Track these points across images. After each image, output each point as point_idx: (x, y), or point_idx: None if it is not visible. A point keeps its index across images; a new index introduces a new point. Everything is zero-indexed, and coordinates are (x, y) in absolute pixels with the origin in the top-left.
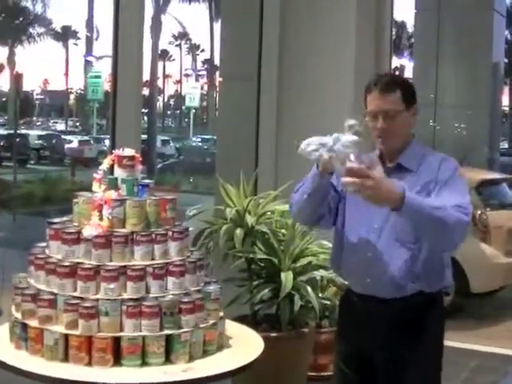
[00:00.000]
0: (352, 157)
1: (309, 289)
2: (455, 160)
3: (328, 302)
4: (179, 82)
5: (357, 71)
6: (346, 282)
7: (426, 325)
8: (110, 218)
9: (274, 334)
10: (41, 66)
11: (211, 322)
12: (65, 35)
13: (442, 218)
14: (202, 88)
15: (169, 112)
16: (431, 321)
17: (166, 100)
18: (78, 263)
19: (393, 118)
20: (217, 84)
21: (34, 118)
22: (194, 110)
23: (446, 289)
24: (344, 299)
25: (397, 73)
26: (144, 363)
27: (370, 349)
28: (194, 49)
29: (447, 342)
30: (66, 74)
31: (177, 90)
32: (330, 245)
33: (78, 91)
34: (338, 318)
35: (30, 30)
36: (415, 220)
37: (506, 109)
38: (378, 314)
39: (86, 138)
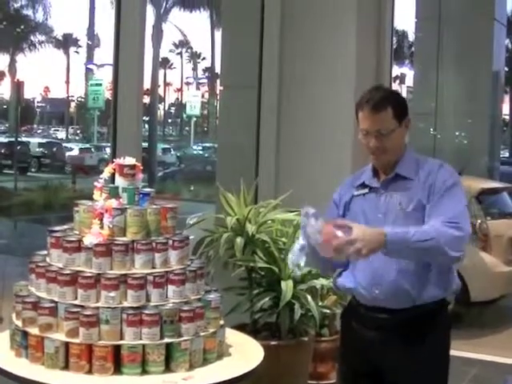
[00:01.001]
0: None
1: (309, 297)
2: (451, 166)
3: (328, 311)
4: (180, 90)
5: (357, 79)
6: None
7: (435, 334)
8: (111, 226)
9: (273, 343)
10: (42, 73)
11: (211, 330)
12: (66, 43)
13: (431, 246)
14: (202, 96)
15: (170, 120)
16: (440, 330)
17: (166, 108)
18: (79, 271)
19: (385, 135)
20: (218, 92)
21: (35, 126)
22: (194, 119)
23: (454, 293)
24: (348, 311)
25: (397, 82)
26: (144, 371)
27: (378, 359)
28: (194, 57)
29: None
30: (67, 82)
31: (178, 98)
32: None
33: (79, 99)
34: (341, 330)
35: (31, 37)
36: (404, 255)
37: (507, 117)
38: (386, 324)
39: (86, 145)
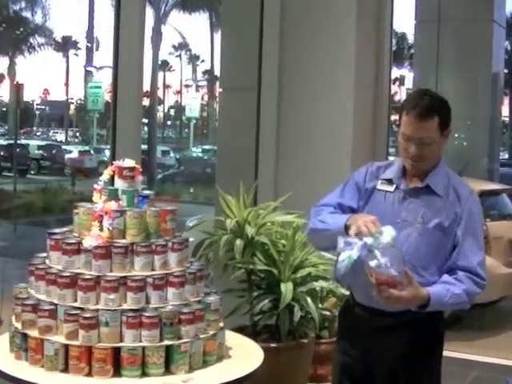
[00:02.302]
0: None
1: (308, 300)
2: (477, 195)
3: (327, 313)
4: (179, 92)
5: (356, 81)
6: (347, 293)
7: (431, 338)
8: (111, 228)
9: (273, 345)
10: (41, 76)
11: (211, 332)
12: (65, 45)
13: (459, 303)
14: (202, 98)
15: (169, 122)
16: (435, 333)
17: (166, 110)
18: (78, 274)
19: (427, 144)
20: (217, 94)
21: (35, 128)
22: (194, 121)
23: None
24: (346, 311)
25: (397, 83)
26: (144, 374)
27: (375, 361)
28: (194, 59)
29: (448, 353)
30: (67, 85)
31: (177, 101)
32: (330, 256)
33: (79, 101)
34: (338, 331)
35: (31, 40)
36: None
37: (506, 119)
38: (382, 326)
39: (86, 148)
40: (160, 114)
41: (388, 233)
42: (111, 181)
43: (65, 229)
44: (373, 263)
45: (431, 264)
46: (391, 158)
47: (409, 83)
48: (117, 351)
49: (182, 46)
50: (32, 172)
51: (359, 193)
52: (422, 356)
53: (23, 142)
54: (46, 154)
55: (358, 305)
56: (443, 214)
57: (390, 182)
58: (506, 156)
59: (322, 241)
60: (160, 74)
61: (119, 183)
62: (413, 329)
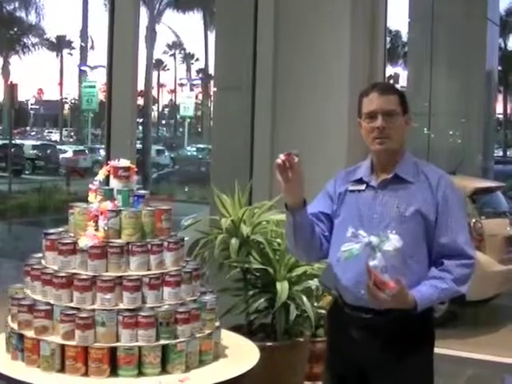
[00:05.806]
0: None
1: (304, 298)
2: (450, 177)
3: (323, 311)
4: (174, 91)
5: (351, 79)
6: (336, 293)
7: (420, 334)
8: (106, 228)
9: (269, 344)
10: (35, 75)
11: (207, 331)
12: (59, 45)
13: (452, 294)
14: (196, 97)
15: (163, 121)
16: (425, 331)
17: (160, 109)
18: (74, 274)
19: (393, 117)
20: (211, 93)
21: (29, 128)
22: (188, 120)
23: None
24: (334, 311)
25: (391, 82)
26: (140, 373)
27: (363, 359)
28: (188, 58)
29: (443, 351)
30: (61, 84)
31: (171, 100)
32: None
33: (73, 101)
34: (328, 331)
35: (25, 39)
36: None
37: (500, 117)
38: (372, 325)
39: (80, 147)
40: (154, 114)
41: (393, 242)
42: (106, 181)
43: (60, 229)
44: (372, 263)
45: (417, 251)
46: None
47: (403, 81)
48: (113, 351)
49: (176, 45)
50: (27, 172)
51: (331, 200)
52: (413, 354)
53: (18, 141)
54: (40, 154)
55: (347, 305)
56: (419, 200)
57: (360, 181)
58: (501, 153)
59: (295, 244)
60: (154, 73)
61: (114, 183)
62: (402, 327)
